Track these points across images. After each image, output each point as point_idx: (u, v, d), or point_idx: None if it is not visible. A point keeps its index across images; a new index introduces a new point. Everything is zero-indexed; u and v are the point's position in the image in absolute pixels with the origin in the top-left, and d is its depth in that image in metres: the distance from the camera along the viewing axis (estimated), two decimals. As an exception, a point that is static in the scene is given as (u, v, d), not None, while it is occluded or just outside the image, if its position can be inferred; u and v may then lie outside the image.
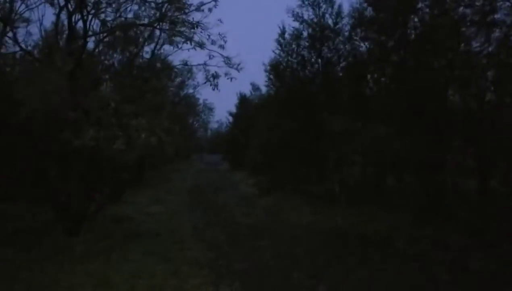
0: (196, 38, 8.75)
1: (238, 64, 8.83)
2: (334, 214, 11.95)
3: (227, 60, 8.70)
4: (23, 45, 8.93)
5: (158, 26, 8.58)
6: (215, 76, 8.43)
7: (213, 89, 8.36)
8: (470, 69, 10.59)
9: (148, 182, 20.56)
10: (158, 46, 9.93)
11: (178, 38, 8.52)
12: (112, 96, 6.99)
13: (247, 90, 39.37)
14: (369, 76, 14.63)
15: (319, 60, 16.09)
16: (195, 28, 8.27)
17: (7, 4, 9.34)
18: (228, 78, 8.72)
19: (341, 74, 16.15)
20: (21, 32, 18.62)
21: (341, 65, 16.03)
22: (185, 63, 9.02)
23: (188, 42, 8.46)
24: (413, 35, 13.69)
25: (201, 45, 8.53)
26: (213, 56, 8.79)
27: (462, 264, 7.10)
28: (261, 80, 46.43)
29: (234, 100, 39.19)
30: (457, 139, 10.84)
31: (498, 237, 8.00)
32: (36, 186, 10.23)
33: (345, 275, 6.77)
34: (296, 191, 15.65)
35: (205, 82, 8.37)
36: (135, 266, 6.87)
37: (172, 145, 8.14)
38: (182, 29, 8.31)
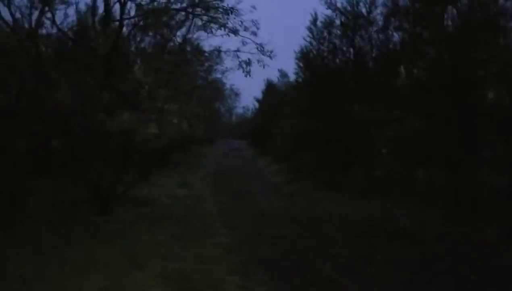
0: (229, 24, 8.73)
1: (271, 52, 8.79)
2: (361, 205, 11.84)
3: (261, 48, 8.67)
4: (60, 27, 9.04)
5: (192, 12, 8.57)
6: (248, 63, 8.42)
7: (246, 76, 8.37)
8: (508, 63, 10.23)
9: (174, 165, 20.84)
10: (190, 32, 9.92)
11: (212, 24, 8.52)
12: (146, 80, 7.05)
13: (273, 76, 39.03)
14: (402, 67, 14.32)
15: (351, 49, 15.82)
16: (230, 14, 8.24)
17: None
18: (260, 65, 8.70)
19: (372, 64, 15.86)
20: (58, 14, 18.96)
21: (373, 55, 15.71)
22: (218, 49, 9.01)
23: (222, 28, 8.46)
24: (450, 27, 13.33)
25: (234, 31, 8.51)
26: (246, 42, 8.77)
27: (495, 262, 6.92)
28: (289, 66, 46.02)
29: (261, 86, 39.00)
30: (492, 135, 10.55)
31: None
32: (68, 165, 10.52)
33: (373, 269, 6.72)
34: (322, 180, 15.58)
35: (238, 69, 8.37)
36: (164, 249, 7.01)
37: (201, 130, 8.18)
38: (216, 15, 8.30)
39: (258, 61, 8.63)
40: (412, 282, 6.17)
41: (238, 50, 8.66)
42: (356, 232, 9.24)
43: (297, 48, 17.64)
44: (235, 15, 8.86)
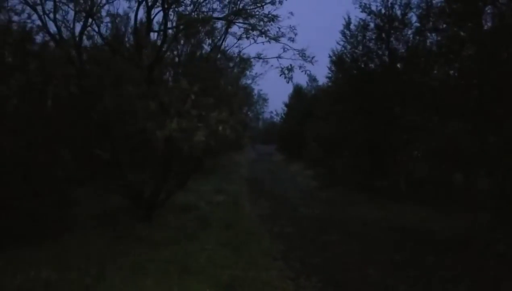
0: (271, 32, 8.76)
1: (313, 57, 8.75)
2: (401, 211, 11.63)
3: (302, 53, 8.65)
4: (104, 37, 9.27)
5: (233, 20, 8.65)
6: (290, 69, 8.40)
7: (288, 82, 8.34)
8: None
9: (208, 171, 20.99)
10: (226, 40, 9.99)
11: (253, 32, 8.55)
12: (191, 89, 7.13)
13: (299, 80, 39.03)
14: (438, 69, 14.03)
15: (387, 52, 15.60)
16: (273, 21, 8.26)
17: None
18: (302, 71, 8.68)
19: (409, 66, 15.59)
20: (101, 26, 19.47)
21: (409, 57, 15.44)
22: (260, 56, 9.04)
23: (263, 35, 8.49)
24: (487, 27, 12.98)
25: (276, 38, 8.53)
26: (287, 48, 8.77)
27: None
28: (317, 70, 45.85)
29: (288, 90, 39.04)
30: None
31: None
32: (111, 173, 10.76)
33: (423, 275, 6.56)
34: (358, 185, 15.38)
35: (280, 75, 8.36)
36: (212, 256, 7.04)
37: (247, 137, 8.23)
38: (258, 23, 8.34)
39: (300, 67, 8.63)
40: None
41: (279, 57, 8.66)
42: (404, 237, 9.06)
43: (327, 52, 17.62)
44: (272, 21, 8.90)
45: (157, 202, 10.49)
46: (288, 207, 13.05)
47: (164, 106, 7.69)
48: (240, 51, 9.32)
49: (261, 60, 9.39)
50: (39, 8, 9.19)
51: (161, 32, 9.08)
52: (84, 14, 9.55)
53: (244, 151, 47.94)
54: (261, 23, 8.31)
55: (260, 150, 51.10)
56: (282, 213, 11.89)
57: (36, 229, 8.39)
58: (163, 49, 8.61)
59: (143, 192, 10.23)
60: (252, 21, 8.29)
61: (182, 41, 9.70)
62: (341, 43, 16.65)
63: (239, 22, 8.51)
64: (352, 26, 16.32)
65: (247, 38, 8.59)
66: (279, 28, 9.15)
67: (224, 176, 21.09)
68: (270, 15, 8.32)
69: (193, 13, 8.83)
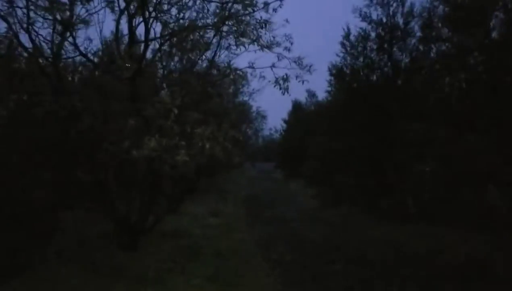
0: (262, 39, 7.97)
1: (310, 66, 7.92)
2: (410, 232, 10.68)
3: (299, 61, 7.82)
4: (83, 51, 8.49)
5: (221, 28, 7.87)
6: (286, 79, 7.57)
7: (283, 94, 7.52)
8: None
9: (203, 191, 20.07)
10: (220, 50, 9.21)
11: (244, 40, 7.75)
12: (174, 103, 6.30)
13: (297, 96, 38.44)
14: (447, 79, 13.24)
15: (389, 62, 14.86)
16: (264, 27, 7.48)
17: (67, 7, 8.99)
18: (299, 81, 7.84)
19: (412, 77, 14.84)
20: (80, 37, 18.74)
21: (413, 67, 14.71)
22: (251, 66, 8.21)
23: (254, 43, 7.70)
24: (495, 35, 12.33)
25: (269, 46, 7.73)
26: (282, 57, 7.95)
27: None
28: (317, 86, 45.23)
29: (287, 107, 38.44)
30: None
31: None
32: (95, 196, 9.89)
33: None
34: (362, 204, 14.43)
35: (274, 86, 7.54)
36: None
37: (238, 155, 7.36)
38: (248, 29, 7.56)
39: (297, 77, 7.79)
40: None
41: (273, 66, 7.84)
42: (418, 264, 8.08)
43: (326, 65, 16.88)
44: (266, 30, 8.14)
45: (144, 228, 9.60)
46: (288, 230, 12.07)
47: (144, 122, 6.83)
48: (230, 60, 8.47)
49: (257, 76, 8.57)
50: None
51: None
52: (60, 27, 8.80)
53: (243, 168, 47.12)
54: (252, 29, 7.52)
55: (260, 168, 50.20)
56: (281, 237, 10.91)
57: (11, 260, 7.61)
58: (144, 60, 7.79)
59: (129, 217, 9.33)
60: (242, 26, 7.49)
61: (166, 54, 8.85)
62: (341, 54, 15.96)
63: (228, 27, 7.71)
64: (352, 37, 15.64)
65: (237, 45, 7.81)
66: (273, 37, 8.39)
67: (221, 196, 20.14)
68: (261, 21, 7.54)
69: (177, 22, 8.05)
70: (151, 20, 8.15)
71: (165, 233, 10.65)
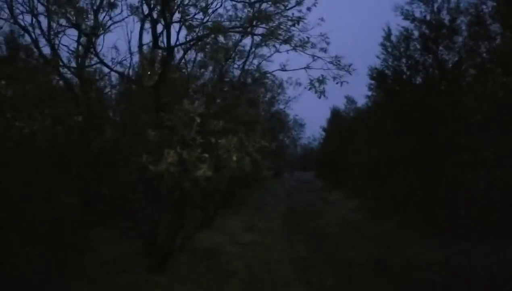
0: (295, 38, 7.17)
1: (349, 65, 7.01)
2: (470, 249, 9.44)
3: (336, 61, 6.93)
4: (104, 59, 8.03)
5: (251, 29, 7.14)
6: (322, 81, 6.72)
7: (319, 97, 6.69)
8: None
9: (240, 203, 19.35)
10: (250, 54, 8.49)
11: (275, 39, 6.96)
12: (198, 111, 5.61)
13: (336, 103, 37.11)
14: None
15: (435, 63, 13.66)
16: (297, 24, 6.68)
17: (91, 16, 8.63)
18: (337, 83, 6.94)
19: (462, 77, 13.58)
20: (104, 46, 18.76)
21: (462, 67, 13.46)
22: (283, 68, 7.43)
23: (287, 43, 6.90)
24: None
25: (302, 45, 6.90)
26: (317, 57, 7.10)
27: None
28: (355, 91, 43.74)
29: (325, 114, 37.30)
30: None
31: None
32: (120, 213, 9.38)
33: None
34: (412, 217, 13.16)
35: (309, 89, 6.72)
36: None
37: (268, 167, 6.56)
38: (280, 27, 6.78)
39: (334, 78, 6.91)
40: None
41: (308, 67, 7.03)
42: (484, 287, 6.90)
43: (362, 69, 15.81)
44: (299, 28, 7.33)
45: (172, 247, 8.93)
46: (329, 247, 11.06)
47: (166, 133, 6.18)
48: (260, 63, 7.71)
49: (293, 83, 7.75)
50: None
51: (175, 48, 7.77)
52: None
53: (282, 178, 46.20)
54: (284, 28, 6.72)
55: (299, 177, 49.20)
56: (322, 256, 9.94)
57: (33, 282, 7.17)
58: (167, 67, 7.19)
59: (157, 236, 8.70)
60: (273, 25, 6.71)
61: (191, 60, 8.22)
62: (382, 56, 14.87)
63: (257, 27, 6.94)
64: (393, 37, 14.56)
65: (266, 45, 7.04)
66: (307, 37, 7.56)
67: (257, 208, 19.35)
68: (294, 18, 6.73)
69: (202, 25, 7.41)
70: (174, 24, 7.59)
71: (196, 252, 9.98)
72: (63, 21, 8.43)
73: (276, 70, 7.49)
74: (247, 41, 8.63)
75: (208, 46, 7.53)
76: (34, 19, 8.40)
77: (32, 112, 9.45)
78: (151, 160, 5.62)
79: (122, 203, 8.65)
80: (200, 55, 8.06)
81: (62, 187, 9.21)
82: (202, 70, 8.12)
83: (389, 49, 14.63)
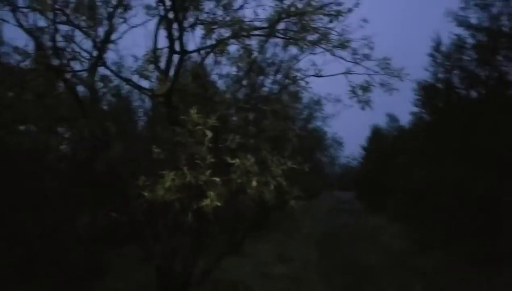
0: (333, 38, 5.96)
1: (401, 70, 5.70)
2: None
3: (385, 64, 5.64)
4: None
5: (277, 26, 6.00)
6: (366, 88, 5.47)
7: (363, 108, 5.43)
8: None
9: (273, 225, 17.96)
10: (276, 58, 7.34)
11: (307, 37, 5.77)
12: (207, 123, 4.48)
13: (377, 120, 35.23)
14: None
15: (495, 74, 12.02)
16: (335, 19, 5.48)
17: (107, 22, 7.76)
18: (386, 91, 5.65)
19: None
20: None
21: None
22: (318, 74, 6.22)
23: (323, 42, 5.71)
24: None
25: (342, 44, 5.69)
26: (360, 59, 5.85)
27: None
28: (396, 109, 41.47)
29: (364, 133, 35.44)
30: None
31: None
32: (132, 240, 8.40)
33: None
34: (465, 249, 11.38)
35: (350, 97, 5.49)
36: None
37: (296, 196, 5.31)
38: (313, 23, 5.60)
39: (382, 84, 5.62)
40: None
41: (348, 72, 5.79)
42: None
43: (408, 82, 14.24)
44: (338, 33, 6.13)
45: (189, 280, 7.78)
46: (372, 285, 9.54)
47: (173, 150, 5.10)
48: (290, 67, 6.54)
49: (332, 100, 6.52)
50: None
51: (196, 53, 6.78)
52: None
53: (320, 198, 44.30)
54: (319, 23, 5.55)
55: (338, 197, 47.19)
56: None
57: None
58: (179, 74, 6.16)
59: (172, 267, 7.58)
60: (304, 20, 5.53)
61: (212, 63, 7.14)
62: (430, 69, 13.35)
63: (286, 21, 5.75)
64: (443, 47, 13.05)
65: (297, 44, 5.85)
66: (347, 41, 6.33)
67: (291, 232, 17.88)
68: (331, 11, 5.53)
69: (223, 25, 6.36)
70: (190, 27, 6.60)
71: (219, 285, 8.81)
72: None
73: (310, 76, 6.29)
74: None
75: (227, 49, 6.45)
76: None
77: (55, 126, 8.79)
78: (148, 184, 4.52)
79: (133, 229, 7.66)
80: (221, 60, 6.95)
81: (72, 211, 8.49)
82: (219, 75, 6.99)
83: (439, 60, 13.12)
